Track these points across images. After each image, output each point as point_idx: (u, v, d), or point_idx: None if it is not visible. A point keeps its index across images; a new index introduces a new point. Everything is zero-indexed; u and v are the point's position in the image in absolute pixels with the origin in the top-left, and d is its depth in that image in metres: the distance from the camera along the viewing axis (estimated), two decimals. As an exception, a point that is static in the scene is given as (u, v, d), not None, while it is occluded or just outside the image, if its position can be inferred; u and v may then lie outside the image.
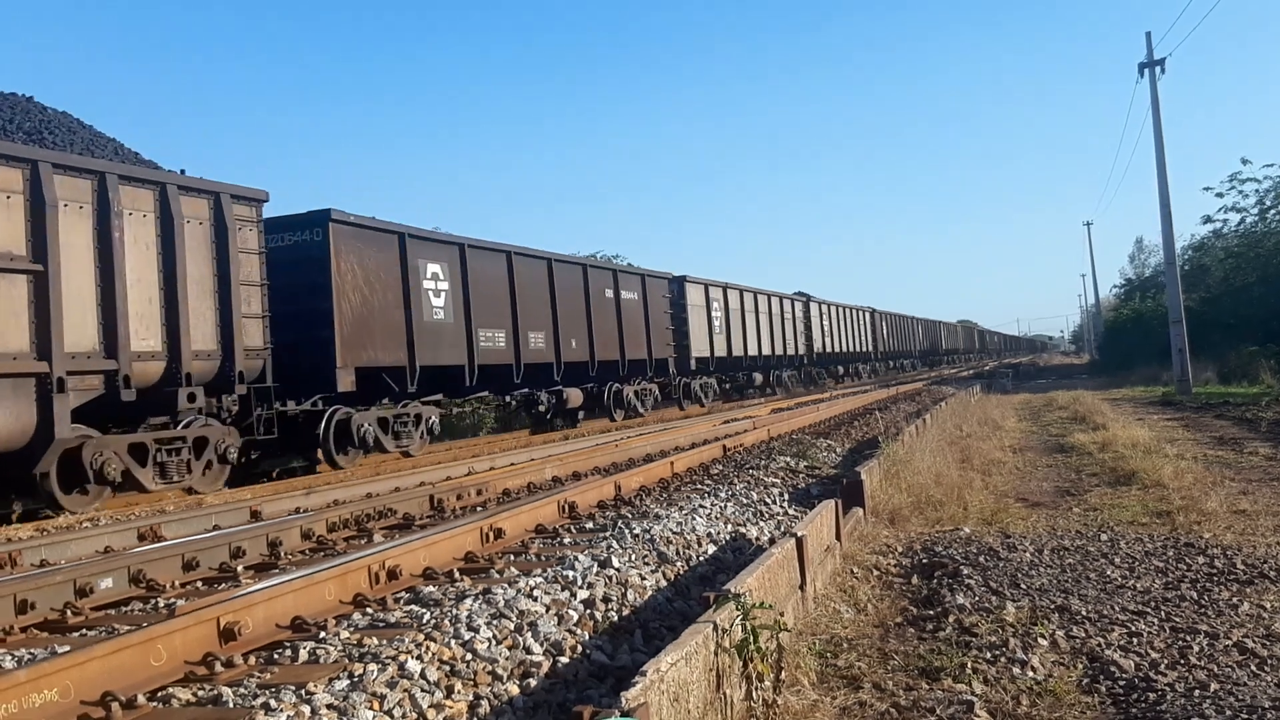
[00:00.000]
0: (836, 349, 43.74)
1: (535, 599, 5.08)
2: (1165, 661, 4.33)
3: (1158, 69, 27.56)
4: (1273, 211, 37.68)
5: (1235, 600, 5.30)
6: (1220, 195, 40.00)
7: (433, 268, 17.04)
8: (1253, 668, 4.22)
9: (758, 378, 35.12)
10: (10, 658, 4.97)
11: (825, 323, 41.83)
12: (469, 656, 4.27)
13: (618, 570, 5.78)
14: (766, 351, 34.28)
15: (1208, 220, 44.03)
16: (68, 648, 4.84)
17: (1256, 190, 38.03)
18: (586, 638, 4.69)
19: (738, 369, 33.20)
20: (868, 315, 50.81)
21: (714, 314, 29.99)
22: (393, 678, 3.96)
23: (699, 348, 28.55)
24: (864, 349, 49.62)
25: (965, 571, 6.07)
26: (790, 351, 37.15)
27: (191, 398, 12.03)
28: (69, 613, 5.82)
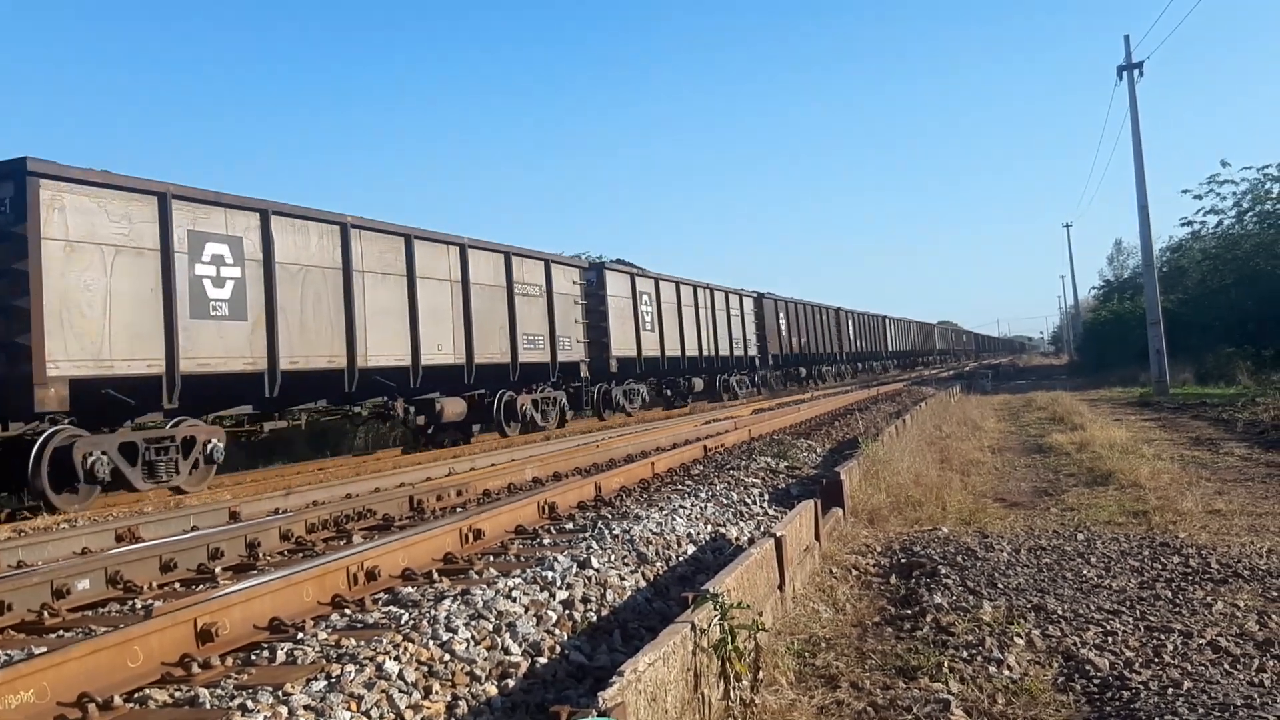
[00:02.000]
0: (685, 350, 29.40)
1: (514, 600, 5.08)
2: (1140, 660, 4.36)
3: (1136, 72, 27.77)
4: (1250, 214, 37.97)
5: (1209, 599, 5.34)
6: (1199, 197, 40.31)
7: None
8: (1226, 666, 4.26)
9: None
10: (-15, 659, 4.95)
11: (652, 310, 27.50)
12: (447, 657, 4.27)
13: (597, 571, 5.78)
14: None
15: (1186, 222, 44.38)
16: (44, 649, 4.81)
17: (1234, 193, 38.33)
18: (565, 638, 4.70)
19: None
20: (749, 302, 36.47)
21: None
22: (370, 678, 3.96)
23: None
24: (746, 351, 35.49)
25: (943, 571, 6.10)
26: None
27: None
28: (46, 614, 5.78)
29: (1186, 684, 4.02)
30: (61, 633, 5.53)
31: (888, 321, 63.47)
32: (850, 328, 51.50)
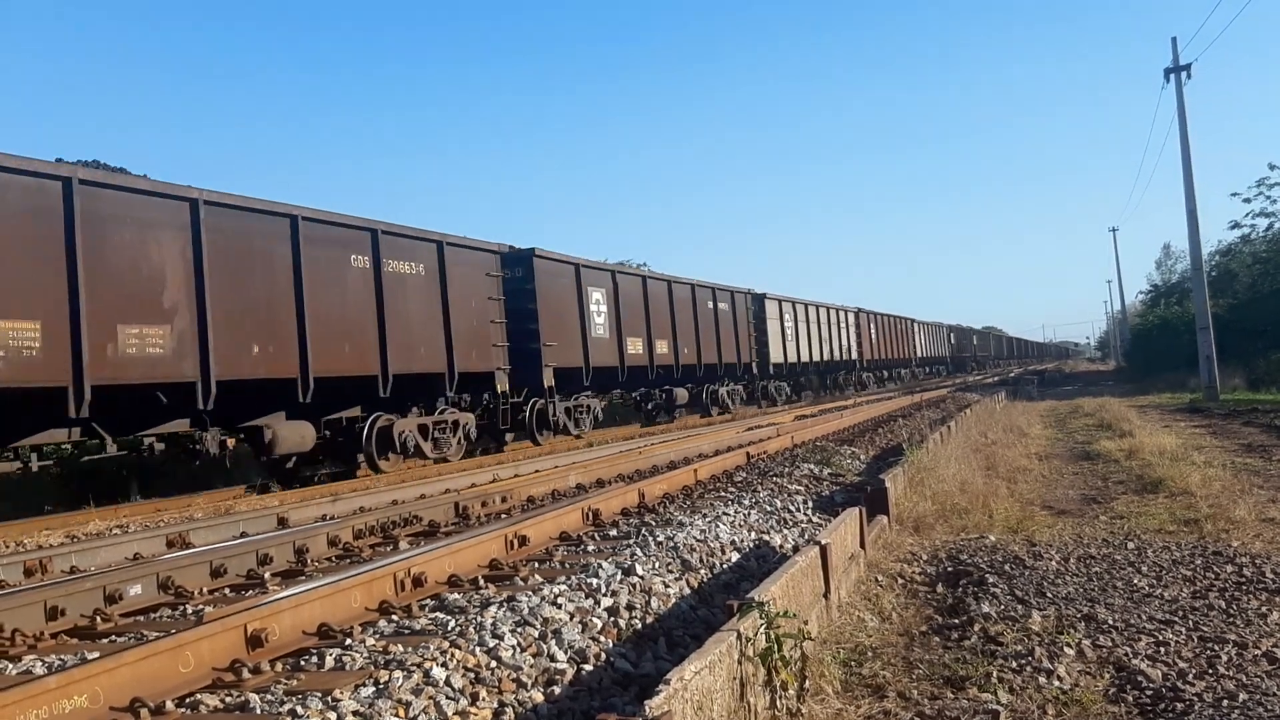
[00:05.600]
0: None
1: (559, 606, 5.10)
2: (1193, 671, 4.30)
3: (1184, 74, 27.39)
4: (1301, 216, 37.31)
5: (1264, 609, 5.25)
6: (1248, 200, 39.72)
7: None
8: (1282, 678, 4.19)
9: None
10: (41, 664, 5.04)
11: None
12: (494, 664, 4.29)
13: (641, 578, 5.79)
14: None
15: (1235, 226, 43.66)
16: (97, 654, 4.89)
17: (1285, 195, 37.68)
18: (610, 645, 4.70)
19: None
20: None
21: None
22: (418, 685, 3.99)
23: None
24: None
25: (991, 580, 6.04)
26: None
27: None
28: (98, 619, 5.88)
29: (1242, 696, 3.95)
30: (114, 638, 5.62)
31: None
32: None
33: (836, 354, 40.50)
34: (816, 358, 37.62)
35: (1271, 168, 37.66)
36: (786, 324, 34.42)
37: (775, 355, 33.01)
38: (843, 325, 41.95)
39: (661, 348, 24.82)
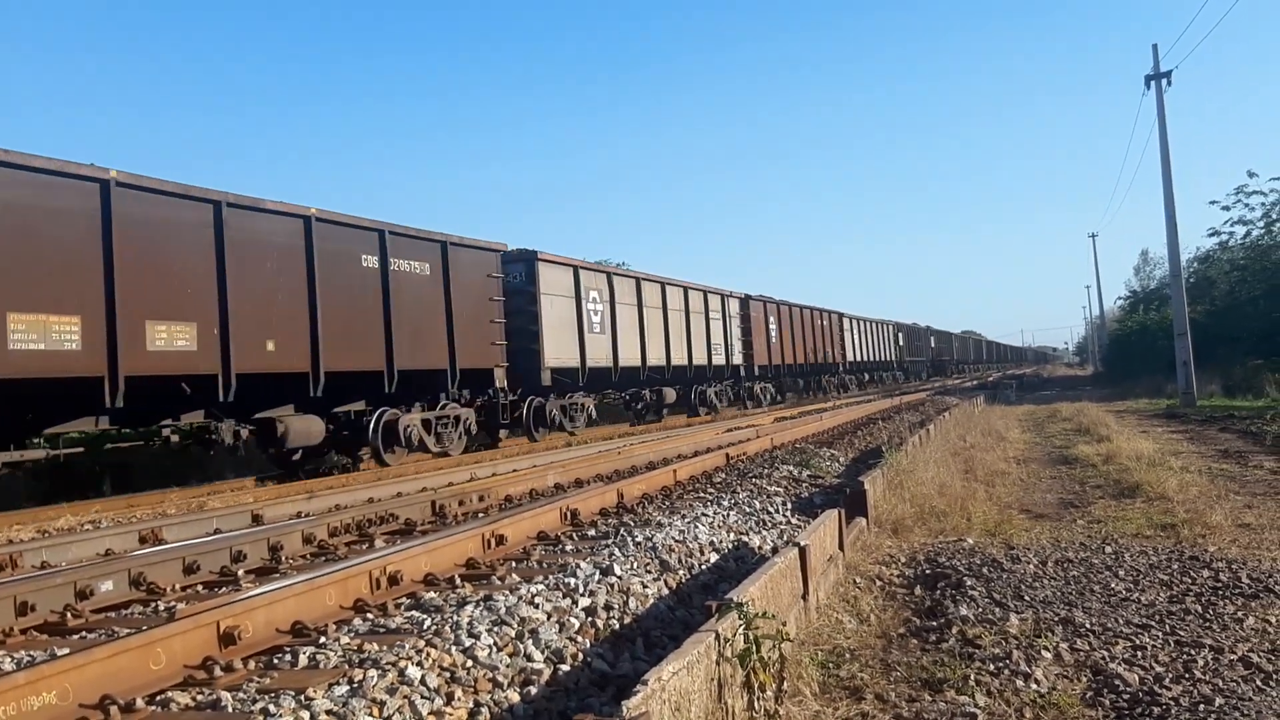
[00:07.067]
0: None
1: (537, 606, 5.06)
2: (1170, 675, 4.30)
3: (1164, 81, 27.57)
4: (1278, 225, 37.65)
5: (1240, 614, 5.26)
6: (1226, 208, 40.01)
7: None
8: (1258, 682, 4.20)
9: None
10: (10, 660, 4.96)
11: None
12: (470, 663, 4.25)
13: (620, 578, 5.76)
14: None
15: (1214, 233, 43.99)
16: (67, 650, 4.83)
17: (1263, 203, 38.05)
18: (588, 645, 4.67)
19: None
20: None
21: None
22: (393, 684, 3.95)
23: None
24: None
25: (969, 583, 6.04)
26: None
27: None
28: (69, 615, 5.81)
29: (1218, 700, 3.96)
30: (84, 634, 5.54)
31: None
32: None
33: (703, 356, 28.23)
34: (658, 360, 25.16)
35: (1250, 175, 38.04)
36: (593, 308, 22.04)
37: (558, 355, 20.36)
38: (716, 316, 29.76)
39: (177, 338, 11.81)
